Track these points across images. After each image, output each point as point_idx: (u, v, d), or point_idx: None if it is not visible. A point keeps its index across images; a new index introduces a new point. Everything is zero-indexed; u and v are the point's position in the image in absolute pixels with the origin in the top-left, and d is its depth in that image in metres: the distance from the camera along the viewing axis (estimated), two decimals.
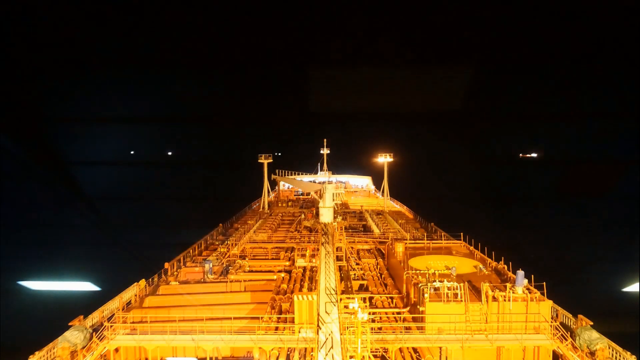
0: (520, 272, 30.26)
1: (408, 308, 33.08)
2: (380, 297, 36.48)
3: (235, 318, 29.88)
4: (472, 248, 43.24)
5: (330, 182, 64.97)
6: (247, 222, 64.99)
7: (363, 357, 24.77)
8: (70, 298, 41.70)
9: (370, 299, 36.09)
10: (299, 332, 28.61)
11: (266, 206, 78.47)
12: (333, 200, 61.70)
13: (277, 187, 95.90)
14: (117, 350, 29.37)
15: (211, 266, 41.31)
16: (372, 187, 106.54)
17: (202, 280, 39.98)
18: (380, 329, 30.05)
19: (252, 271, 43.27)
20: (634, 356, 25.53)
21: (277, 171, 77.34)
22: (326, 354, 26.42)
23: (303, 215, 68.35)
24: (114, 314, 30.87)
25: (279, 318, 31.37)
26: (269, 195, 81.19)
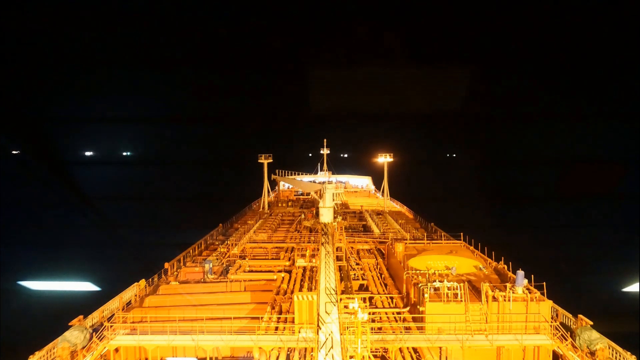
0: (520, 272, 30.25)
1: (408, 308, 33.08)
2: (380, 297, 36.49)
3: (235, 318, 29.88)
4: (472, 248, 43.24)
5: (330, 182, 64.95)
6: (247, 222, 64.97)
7: (363, 357, 24.76)
8: (70, 298, 41.69)
9: (370, 299, 36.10)
10: (299, 332, 28.60)
11: (266, 206, 78.47)
12: (333, 200, 61.68)
13: (277, 187, 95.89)
14: (117, 350, 29.35)
15: (211, 266, 41.30)
16: (372, 187, 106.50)
17: (202, 280, 39.96)
18: (380, 329, 30.04)
19: (252, 271, 43.25)
20: (634, 356, 25.52)
21: (277, 171, 77.35)
22: (326, 354, 26.41)
23: (303, 215, 68.33)
24: (114, 314, 30.85)
25: (279, 318, 31.39)
26: (269, 195, 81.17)
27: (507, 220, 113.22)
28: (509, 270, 34.31)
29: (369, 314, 28.05)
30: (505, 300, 29.06)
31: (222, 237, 56.06)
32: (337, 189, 62.73)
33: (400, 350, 28.48)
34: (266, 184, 79.50)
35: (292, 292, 35.33)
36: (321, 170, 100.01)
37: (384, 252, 48.24)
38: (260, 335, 28.51)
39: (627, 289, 43.65)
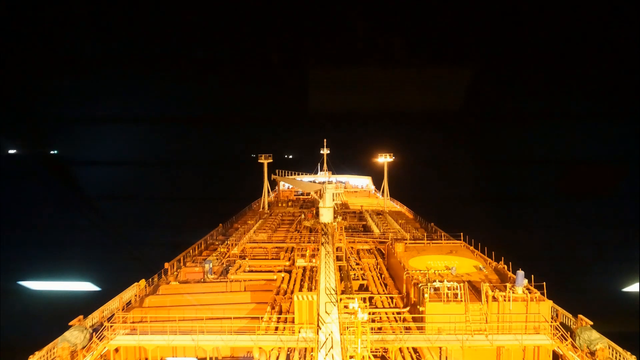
0: (520, 272, 30.27)
1: (408, 308, 33.09)
2: (380, 297, 36.50)
3: (235, 318, 29.91)
4: (472, 248, 43.26)
5: (330, 182, 64.95)
6: (247, 222, 64.99)
7: (363, 357, 24.76)
8: (70, 298, 41.69)
9: (370, 299, 36.11)
10: (299, 332, 28.61)
11: (266, 206, 78.48)
12: (333, 200, 61.68)
13: (277, 187, 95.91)
14: (117, 350, 29.37)
15: (211, 266, 41.32)
16: (372, 187, 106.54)
17: (202, 280, 39.98)
18: (380, 329, 30.06)
19: (252, 271, 43.27)
20: (634, 356, 25.54)
21: (277, 171, 77.36)
22: (326, 354, 26.41)
23: (303, 215, 68.34)
24: (114, 314, 30.88)
25: (279, 318, 31.40)
26: (269, 195, 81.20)
27: (507, 220, 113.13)
28: (509, 270, 34.34)
29: (369, 314, 28.04)
30: (505, 300, 29.07)
31: (222, 237, 56.08)
32: (337, 189, 62.73)
33: (400, 350, 28.49)
34: (266, 184, 79.55)
35: (292, 292, 35.33)
36: (321, 170, 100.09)
37: (384, 252, 48.24)
38: (260, 335, 28.52)
39: (627, 289, 43.64)
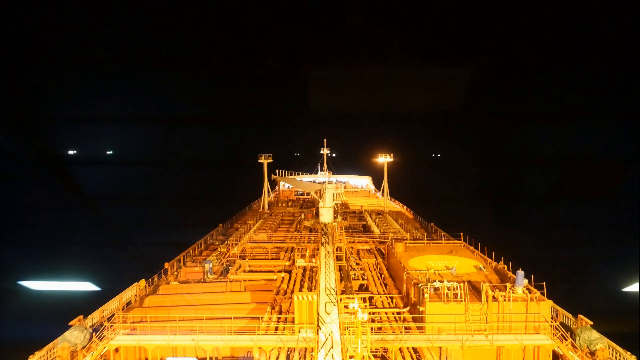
0: (520, 272, 30.27)
1: (408, 308, 33.09)
2: (380, 297, 36.50)
3: (235, 318, 29.91)
4: (472, 248, 43.25)
5: (330, 182, 64.93)
6: (247, 222, 64.98)
7: (363, 357, 24.77)
8: (70, 298, 41.69)
9: (370, 298, 36.11)
10: (299, 332, 28.61)
11: (266, 206, 78.47)
12: (333, 200, 61.67)
13: (277, 187, 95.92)
14: (117, 350, 29.37)
15: (211, 266, 41.31)
16: (372, 187, 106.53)
17: (202, 280, 39.97)
18: (380, 329, 30.06)
19: (252, 271, 43.27)
20: (634, 356, 25.53)
21: (277, 171, 77.37)
22: (326, 354, 26.41)
23: (303, 215, 68.34)
24: (114, 314, 30.88)
25: (279, 318, 31.40)
26: (269, 195, 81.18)
27: (507, 220, 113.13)
28: (509, 270, 34.33)
29: (369, 314, 28.05)
30: (505, 300, 29.07)
31: (222, 237, 56.07)
32: (337, 189, 62.71)
33: (400, 350, 28.49)
34: (266, 184, 79.52)
35: (292, 292, 35.33)
36: (321, 170, 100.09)
37: (384, 252, 48.23)
38: (260, 335, 28.52)
39: (627, 289, 43.67)
